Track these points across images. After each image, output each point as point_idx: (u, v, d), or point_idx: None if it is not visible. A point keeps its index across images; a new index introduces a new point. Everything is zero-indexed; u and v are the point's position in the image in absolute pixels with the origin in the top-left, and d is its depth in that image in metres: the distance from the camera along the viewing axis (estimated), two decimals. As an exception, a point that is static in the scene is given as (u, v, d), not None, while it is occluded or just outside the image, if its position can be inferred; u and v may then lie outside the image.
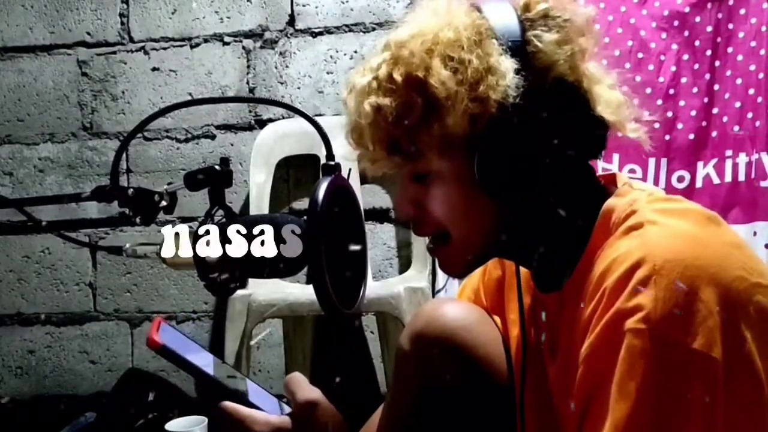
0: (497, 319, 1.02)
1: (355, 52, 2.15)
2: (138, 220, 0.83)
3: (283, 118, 2.17)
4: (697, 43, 1.83)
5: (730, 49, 1.81)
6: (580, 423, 0.72)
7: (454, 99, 0.76)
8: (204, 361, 0.88)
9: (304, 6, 2.17)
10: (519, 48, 0.78)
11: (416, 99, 0.78)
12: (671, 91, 1.83)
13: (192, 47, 2.22)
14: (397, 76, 0.79)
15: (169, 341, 0.85)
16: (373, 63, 0.83)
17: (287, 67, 2.18)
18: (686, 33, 1.84)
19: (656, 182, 1.82)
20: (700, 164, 1.82)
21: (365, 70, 0.83)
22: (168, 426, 1.53)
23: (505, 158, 0.78)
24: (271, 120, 2.17)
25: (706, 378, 0.66)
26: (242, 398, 0.86)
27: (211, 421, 1.30)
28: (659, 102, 1.82)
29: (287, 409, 0.92)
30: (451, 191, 0.82)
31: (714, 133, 1.81)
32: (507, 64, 0.77)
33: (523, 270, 0.93)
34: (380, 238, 2.16)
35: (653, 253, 0.70)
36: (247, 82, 2.21)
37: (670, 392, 0.66)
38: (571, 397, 0.74)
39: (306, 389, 0.88)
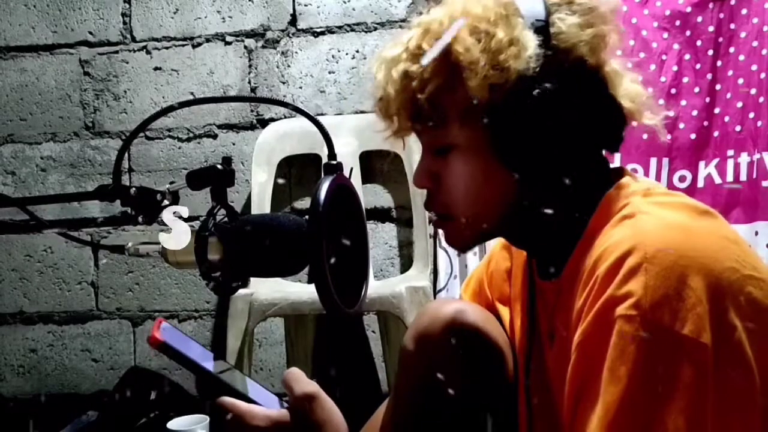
0: (505, 310, 1.03)
1: (357, 51, 2.15)
2: (140, 219, 0.83)
3: (285, 117, 2.17)
4: (698, 42, 1.83)
5: (731, 49, 1.81)
6: (573, 408, 0.73)
7: (477, 65, 0.80)
8: (204, 359, 0.89)
9: (305, 6, 2.17)
10: (542, 27, 0.81)
11: (441, 64, 0.82)
12: (673, 91, 1.83)
13: (194, 47, 2.23)
14: (426, 44, 0.83)
15: (170, 339, 0.85)
16: (404, 38, 0.86)
17: (289, 66, 2.19)
18: (688, 33, 1.84)
19: (657, 182, 1.82)
20: (701, 164, 1.83)
21: (396, 44, 0.87)
22: (170, 425, 1.54)
23: (522, 129, 0.80)
24: (272, 119, 2.18)
25: (696, 363, 0.67)
26: (242, 394, 0.86)
27: (212, 420, 1.30)
28: (661, 102, 1.82)
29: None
30: (468, 164, 0.84)
31: (716, 133, 1.82)
32: (530, 38, 0.80)
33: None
34: (382, 237, 2.16)
35: (644, 241, 0.71)
36: (249, 82, 2.21)
37: (659, 377, 0.67)
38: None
39: (303, 383, 0.88)
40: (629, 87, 0.85)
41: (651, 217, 0.75)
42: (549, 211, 0.85)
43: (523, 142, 0.81)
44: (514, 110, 0.80)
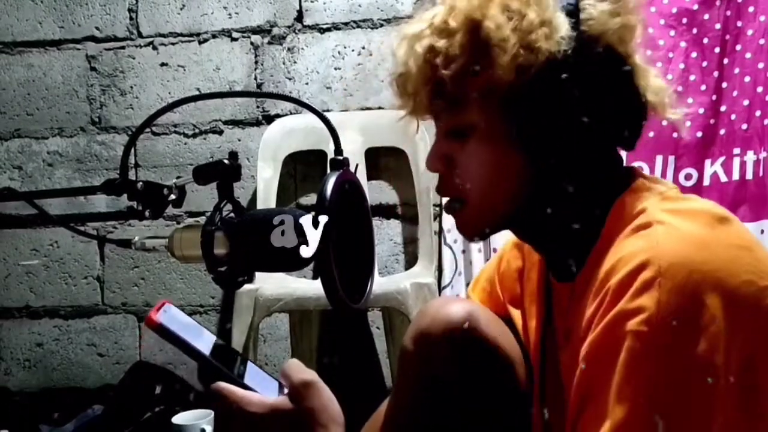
0: (517, 312, 1.02)
1: (363, 48, 2.15)
2: (147, 213, 0.83)
3: (291, 113, 2.17)
4: (705, 40, 1.83)
5: (738, 47, 1.81)
6: (575, 419, 0.72)
7: (506, 44, 0.78)
8: (205, 342, 0.87)
9: (312, 2, 2.17)
10: (573, 12, 0.80)
11: (470, 40, 0.80)
12: (679, 89, 1.83)
13: (200, 42, 2.23)
14: (453, 21, 0.81)
15: (168, 321, 0.83)
16: (427, 15, 0.84)
17: (295, 62, 2.19)
18: (695, 30, 1.84)
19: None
20: (707, 162, 1.82)
21: (419, 21, 0.85)
22: (174, 419, 1.55)
23: (545, 114, 0.79)
24: (278, 115, 2.18)
25: (707, 384, 0.65)
26: (239, 381, 0.85)
27: (209, 405, 1.30)
28: (668, 99, 1.82)
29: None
30: (485, 148, 0.82)
31: (722, 131, 1.81)
32: (562, 20, 0.79)
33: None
34: (387, 233, 2.16)
35: (659, 255, 0.69)
36: (255, 78, 2.21)
37: (668, 397, 0.66)
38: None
39: (302, 371, 0.87)
40: (653, 81, 0.84)
41: (666, 227, 0.73)
42: (563, 207, 0.83)
43: (545, 127, 0.79)
44: (539, 94, 0.78)
